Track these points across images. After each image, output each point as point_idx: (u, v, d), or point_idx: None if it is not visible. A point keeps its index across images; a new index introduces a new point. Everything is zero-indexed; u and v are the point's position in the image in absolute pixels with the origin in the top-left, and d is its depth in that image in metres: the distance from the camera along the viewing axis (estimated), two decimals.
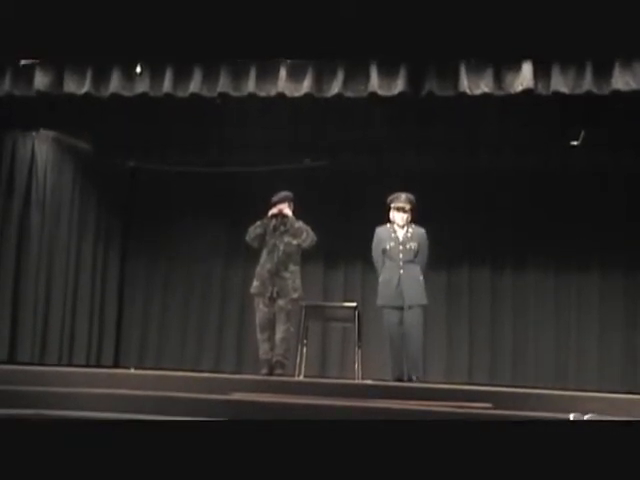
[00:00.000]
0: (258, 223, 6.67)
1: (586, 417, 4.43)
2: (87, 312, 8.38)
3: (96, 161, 8.46)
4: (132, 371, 7.41)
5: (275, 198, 6.68)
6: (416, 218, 6.56)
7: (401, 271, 6.37)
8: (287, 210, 6.65)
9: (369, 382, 6.54)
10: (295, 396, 5.45)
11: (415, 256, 6.45)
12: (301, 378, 6.64)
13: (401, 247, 6.43)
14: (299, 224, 6.61)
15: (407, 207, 6.48)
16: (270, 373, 6.38)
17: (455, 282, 8.44)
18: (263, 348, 6.49)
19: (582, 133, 7.25)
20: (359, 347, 6.78)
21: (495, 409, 5.15)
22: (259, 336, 6.53)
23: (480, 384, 7.31)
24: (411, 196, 6.51)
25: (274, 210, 6.64)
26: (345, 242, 8.43)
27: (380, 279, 6.48)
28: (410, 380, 6.21)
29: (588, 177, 8.01)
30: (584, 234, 8.07)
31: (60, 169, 8.15)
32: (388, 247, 6.44)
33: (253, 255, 6.70)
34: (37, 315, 7.78)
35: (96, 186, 8.53)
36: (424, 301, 6.41)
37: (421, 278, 6.43)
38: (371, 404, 5.18)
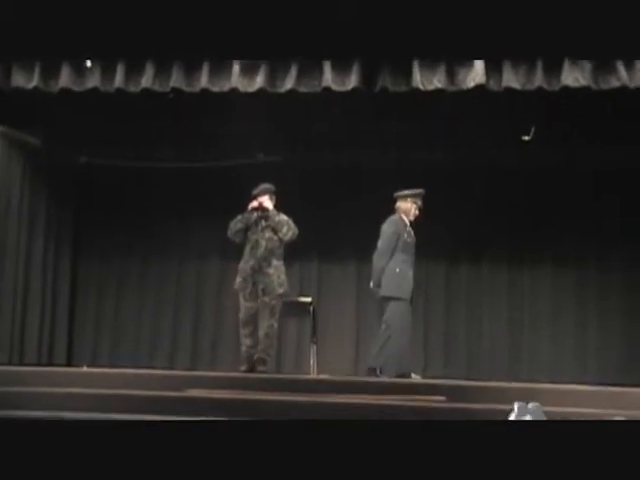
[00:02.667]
0: (239, 217, 6.50)
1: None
2: (38, 310, 8.20)
3: (46, 156, 8.30)
4: (85, 369, 7.31)
5: (255, 191, 6.49)
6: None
7: (413, 268, 6.43)
8: (267, 203, 6.48)
9: (324, 377, 6.56)
10: (250, 392, 5.44)
11: None
12: (256, 374, 6.63)
13: (414, 244, 6.50)
14: (280, 217, 6.45)
15: None
16: (250, 370, 6.25)
17: None
18: (245, 344, 6.40)
19: (533, 128, 7.35)
20: (314, 342, 6.79)
21: (449, 402, 5.21)
22: (241, 331, 6.43)
23: (434, 377, 7.37)
24: None
25: (254, 203, 6.46)
26: (301, 237, 8.41)
27: (396, 270, 6.38)
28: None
29: (541, 172, 8.10)
30: (537, 228, 8.17)
31: (8, 165, 7.94)
32: (409, 240, 6.46)
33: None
34: None
35: (46, 182, 8.34)
36: None
37: None
38: (326, 399, 5.20)
